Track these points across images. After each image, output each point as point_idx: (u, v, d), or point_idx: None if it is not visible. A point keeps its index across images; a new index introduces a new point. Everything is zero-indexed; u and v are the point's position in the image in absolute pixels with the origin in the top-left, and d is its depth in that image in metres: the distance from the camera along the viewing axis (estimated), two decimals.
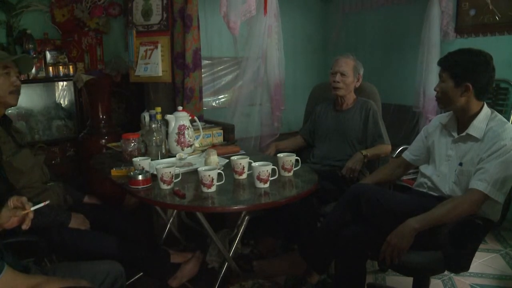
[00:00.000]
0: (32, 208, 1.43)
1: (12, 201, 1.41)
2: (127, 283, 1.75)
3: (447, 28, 3.48)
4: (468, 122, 1.90)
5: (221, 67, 4.22)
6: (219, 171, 1.93)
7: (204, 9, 3.63)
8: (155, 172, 1.97)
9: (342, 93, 2.67)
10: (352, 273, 1.92)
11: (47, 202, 1.51)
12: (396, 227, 1.77)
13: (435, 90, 1.97)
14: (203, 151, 2.49)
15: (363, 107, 2.68)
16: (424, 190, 2.07)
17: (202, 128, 2.65)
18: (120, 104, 3.71)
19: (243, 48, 3.52)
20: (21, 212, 1.40)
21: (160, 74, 2.95)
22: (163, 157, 2.36)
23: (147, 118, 2.64)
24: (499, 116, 1.89)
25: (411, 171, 2.44)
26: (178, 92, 3.03)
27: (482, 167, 1.80)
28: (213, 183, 1.89)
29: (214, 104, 4.25)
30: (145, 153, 2.34)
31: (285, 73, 3.73)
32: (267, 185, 1.94)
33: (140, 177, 1.95)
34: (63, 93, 3.68)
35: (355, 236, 1.90)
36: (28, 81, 3.23)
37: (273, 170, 1.98)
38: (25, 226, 1.41)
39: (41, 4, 3.39)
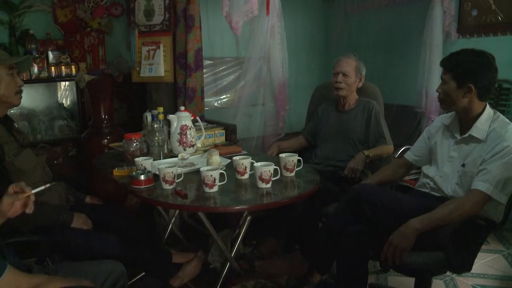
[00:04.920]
0: (34, 191, 1.42)
1: (11, 188, 1.40)
2: (128, 283, 1.75)
3: (449, 28, 3.47)
4: (471, 123, 1.90)
5: (223, 67, 4.22)
6: (221, 171, 1.93)
7: (206, 9, 3.63)
8: (157, 172, 1.97)
9: (344, 94, 2.67)
10: (354, 273, 1.92)
11: (48, 185, 1.50)
12: (398, 227, 1.77)
13: (437, 91, 1.96)
14: (205, 151, 2.49)
15: (365, 107, 2.67)
16: (426, 191, 2.07)
17: (204, 128, 2.66)
18: (122, 104, 3.72)
19: (245, 48, 3.52)
20: (22, 195, 1.39)
21: (162, 74, 2.95)
22: (165, 157, 2.36)
23: (149, 118, 2.64)
24: (502, 117, 1.89)
25: (413, 171, 2.43)
26: (180, 92, 3.03)
27: (484, 168, 1.79)
28: (215, 183, 1.89)
29: (216, 104, 4.25)
30: (147, 153, 2.34)
31: (288, 73, 3.74)
32: (269, 185, 1.94)
33: (142, 177, 1.95)
34: (65, 93, 3.69)
35: (357, 236, 1.90)
36: (30, 81, 3.24)
37: (275, 170, 1.98)
38: (29, 210, 1.39)
39: (43, 4, 3.40)
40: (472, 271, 1.96)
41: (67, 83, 3.58)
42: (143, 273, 2.36)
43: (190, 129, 2.42)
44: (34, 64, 3.23)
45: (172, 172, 1.94)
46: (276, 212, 2.34)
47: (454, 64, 1.87)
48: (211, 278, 2.35)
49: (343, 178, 2.51)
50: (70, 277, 1.43)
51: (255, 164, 1.98)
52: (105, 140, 3.24)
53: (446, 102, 1.93)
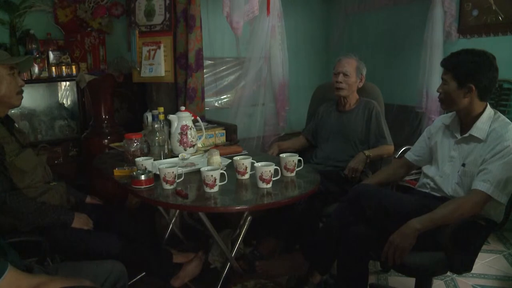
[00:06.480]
0: None
1: None
2: (129, 283, 1.75)
3: (450, 28, 3.47)
4: (471, 123, 1.90)
5: (224, 67, 4.22)
6: (221, 171, 1.93)
7: (207, 9, 3.64)
8: (157, 172, 1.98)
9: (345, 94, 2.67)
10: (354, 274, 1.92)
11: None
12: (398, 227, 1.77)
13: (438, 91, 1.96)
14: (205, 151, 2.49)
15: (366, 107, 2.67)
16: (427, 191, 2.07)
17: (205, 128, 2.66)
18: (122, 104, 3.71)
19: (246, 48, 3.52)
20: None
21: (163, 74, 2.95)
22: (165, 157, 2.36)
23: (149, 118, 2.64)
24: (502, 116, 1.89)
25: (413, 171, 2.44)
26: (180, 92, 3.03)
27: (485, 168, 1.79)
28: (216, 183, 1.89)
29: (216, 104, 4.25)
30: (147, 153, 2.34)
31: (288, 73, 3.73)
32: (269, 185, 1.94)
33: (142, 177, 1.95)
34: (65, 93, 3.69)
35: (357, 236, 1.90)
36: (31, 81, 3.24)
37: (275, 170, 1.98)
38: None
39: (44, 4, 3.40)
40: (473, 271, 1.96)
41: (67, 83, 3.58)
42: (144, 273, 2.36)
43: (190, 129, 2.42)
44: (35, 64, 3.23)
45: (173, 172, 1.94)
46: (276, 212, 2.34)
47: (454, 64, 1.87)
48: (212, 278, 2.34)
49: (344, 178, 2.51)
50: (71, 277, 1.43)
51: (256, 164, 1.98)
52: (106, 140, 3.24)
53: (446, 102, 1.93)
